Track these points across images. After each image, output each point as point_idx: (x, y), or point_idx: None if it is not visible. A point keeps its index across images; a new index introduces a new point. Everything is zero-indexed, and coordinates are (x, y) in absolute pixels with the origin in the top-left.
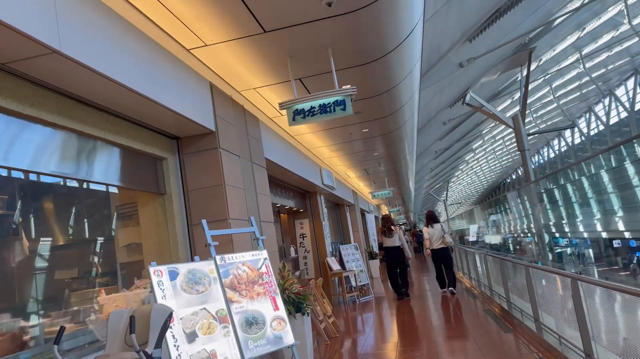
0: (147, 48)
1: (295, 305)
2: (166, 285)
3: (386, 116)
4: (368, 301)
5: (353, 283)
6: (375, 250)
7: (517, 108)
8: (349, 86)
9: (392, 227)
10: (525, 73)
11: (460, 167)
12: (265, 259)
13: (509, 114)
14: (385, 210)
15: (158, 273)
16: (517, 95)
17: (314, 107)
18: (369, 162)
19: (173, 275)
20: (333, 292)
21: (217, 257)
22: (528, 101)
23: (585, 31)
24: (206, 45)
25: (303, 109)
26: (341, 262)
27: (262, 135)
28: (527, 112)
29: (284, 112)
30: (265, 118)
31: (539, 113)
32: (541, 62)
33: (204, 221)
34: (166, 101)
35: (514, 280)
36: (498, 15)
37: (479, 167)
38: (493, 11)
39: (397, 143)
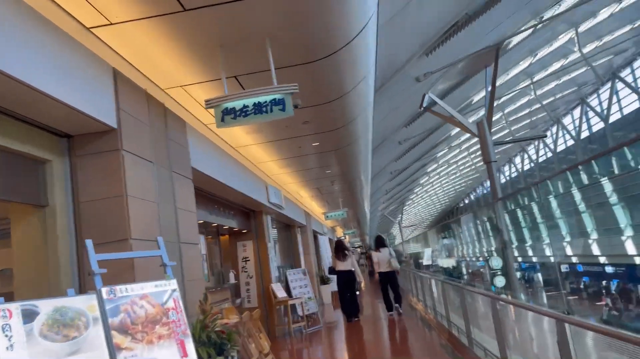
0: (28, 22)
1: (217, 347)
2: (16, 330)
3: (338, 128)
4: (316, 331)
5: (300, 312)
6: (328, 274)
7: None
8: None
9: (346, 252)
10: (491, 73)
11: (416, 190)
12: (173, 291)
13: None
14: (340, 233)
15: (5, 313)
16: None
17: (247, 106)
18: (322, 180)
19: (29, 315)
20: (278, 322)
21: (104, 289)
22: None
23: (536, 57)
24: (111, 24)
25: (234, 108)
26: (288, 289)
27: (190, 141)
28: (498, 117)
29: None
30: (198, 124)
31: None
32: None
33: (88, 242)
34: (51, 88)
35: (475, 310)
36: (456, 29)
37: (433, 191)
38: (450, 25)
39: (351, 160)
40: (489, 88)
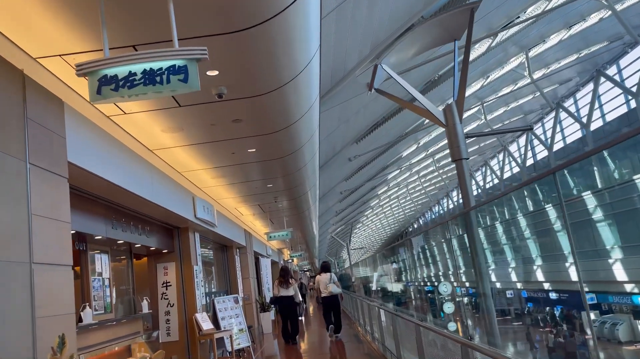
0: None
1: None
2: None
3: (277, 131)
4: None
5: (228, 347)
6: (268, 300)
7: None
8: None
9: (290, 280)
10: (461, 43)
11: (366, 213)
12: None
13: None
14: (287, 255)
15: None
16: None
17: (135, 74)
18: (264, 196)
19: None
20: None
21: None
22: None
23: (488, 80)
24: None
25: (116, 76)
26: (215, 319)
27: (69, 128)
28: (477, 108)
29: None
30: (90, 110)
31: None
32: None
33: None
34: None
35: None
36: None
37: (383, 214)
38: (403, 30)
39: (295, 173)
40: (459, 63)
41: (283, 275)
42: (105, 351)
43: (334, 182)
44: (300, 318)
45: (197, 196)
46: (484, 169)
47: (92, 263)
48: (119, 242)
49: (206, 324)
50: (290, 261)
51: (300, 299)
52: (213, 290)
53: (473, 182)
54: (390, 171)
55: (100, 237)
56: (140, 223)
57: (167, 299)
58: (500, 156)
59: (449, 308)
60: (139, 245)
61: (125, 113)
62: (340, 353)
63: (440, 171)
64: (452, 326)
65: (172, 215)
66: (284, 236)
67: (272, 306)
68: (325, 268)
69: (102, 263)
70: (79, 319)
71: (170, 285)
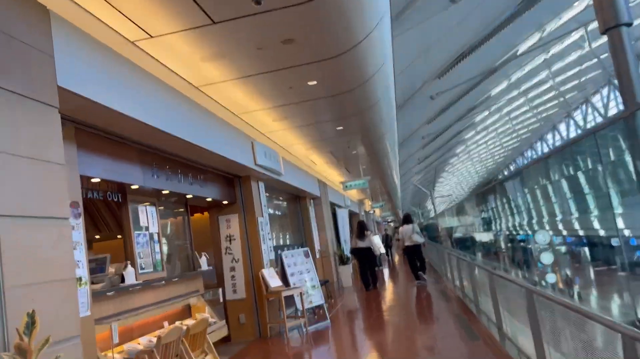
0: None
1: None
2: None
3: (341, 54)
4: (322, 330)
5: (299, 306)
6: (347, 253)
7: None
8: None
9: (366, 232)
10: None
11: (451, 161)
12: None
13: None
14: (368, 205)
15: None
16: None
17: None
18: (335, 140)
19: None
20: (272, 319)
21: None
22: None
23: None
24: None
25: None
26: (284, 275)
27: (57, 42)
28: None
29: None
30: (107, 34)
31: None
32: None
33: None
34: None
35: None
36: None
37: (470, 162)
38: None
39: (368, 111)
40: None
41: (360, 228)
42: (155, 314)
43: (415, 125)
44: (380, 267)
45: (258, 141)
46: (584, 107)
47: (134, 217)
48: (164, 193)
49: (274, 281)
50: (372, 212)
51: (382, 251)
52: (287, 243)
53: (571, 122)
54: (477, 112)
55: (137, 187)
56: (190, 172)
57: (232, 254)
58: (605, 91)
59: (547, 258)
60: (192, 196)
61: (151, 37)
62: (423, 307)
63: (535, 111)
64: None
65: (226, 161)
66: (361, 185)
67: (350, 257)
68: (407, 219)
69: (147, 216)
70: (121, 280)
71: (234, 239)
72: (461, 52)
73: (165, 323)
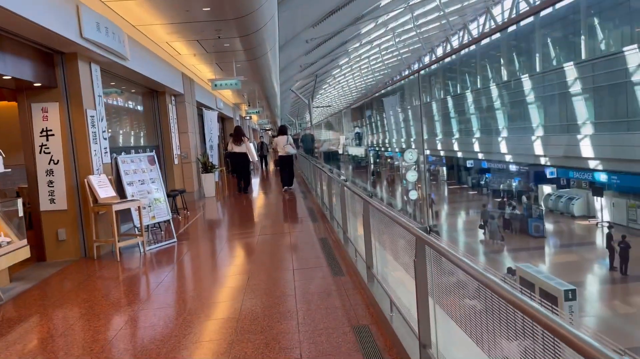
0: None
1: None
2: None
3: None
4: (166, 248)
5: (137, 222)
6: (213, 161)
7: None
8: None
9: (243, 138)
10: None
11: (333, 73)
12: None
13: None
14: (243, 111)
15: None
16: None
17: None
18: (202, 27)
19: None
20: (106, 235)
21: None
22: None
23: None
24: None
25: None
26: (120, 184)
27: None
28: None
29: None
30: None
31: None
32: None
33: None
34: None
35: None
36: None
37: (351, 76)
38: None
39: None
40: None
41: (237, 133)
42: None
43: (300, 27)
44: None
45: (87, 5)
46: (461, 33)
47: None
48: None
49: (105, 191)
50: (248, 118)
51: (256, 159)
52: (139, 145)
53: (447, 46)
54: (364, 21)
55: None
56: None
57: (49, 153)
58: (482, 19)
59: (412, 176)
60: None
61: None
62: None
63: (418, 31)
64: (413, 194)
65: (33, 27)
66: (234, 86)
67: (215, 165)
68: (282, 130)
69: None
70: None
71: (53, 135)
72: None
73: None
